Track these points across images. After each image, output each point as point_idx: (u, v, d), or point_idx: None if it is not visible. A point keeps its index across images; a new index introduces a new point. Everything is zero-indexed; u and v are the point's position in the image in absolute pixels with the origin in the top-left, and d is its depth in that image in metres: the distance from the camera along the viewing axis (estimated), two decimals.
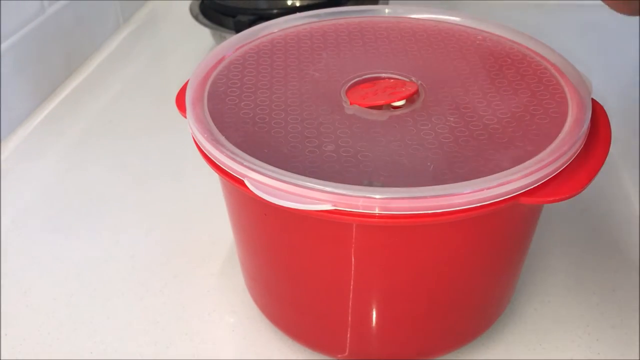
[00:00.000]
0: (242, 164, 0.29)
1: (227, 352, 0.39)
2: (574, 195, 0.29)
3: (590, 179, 0.29)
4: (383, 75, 0.37)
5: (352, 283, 0.32)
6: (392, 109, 0.34)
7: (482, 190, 0.28)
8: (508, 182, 0.28)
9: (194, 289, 0.43)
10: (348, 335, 0.35)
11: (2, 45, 0.58)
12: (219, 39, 0.68)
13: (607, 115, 0.34)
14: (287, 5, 0.74)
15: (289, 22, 0.42)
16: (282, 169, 0.29)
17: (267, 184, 0.29)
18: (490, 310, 0.38)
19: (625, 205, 0.49)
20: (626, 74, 0.66)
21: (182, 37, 0.79)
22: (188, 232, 0.48)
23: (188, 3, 0.73)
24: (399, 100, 0.34)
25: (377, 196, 0.27)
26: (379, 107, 0.34)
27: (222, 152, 0.30)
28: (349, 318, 0.34)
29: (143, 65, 0.74)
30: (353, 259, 0.31)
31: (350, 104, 0.34)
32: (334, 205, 0.28)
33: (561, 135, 0.31)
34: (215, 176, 0.32)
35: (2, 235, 0.48)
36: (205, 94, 0.35)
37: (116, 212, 0.50)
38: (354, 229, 0.30)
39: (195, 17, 0.68)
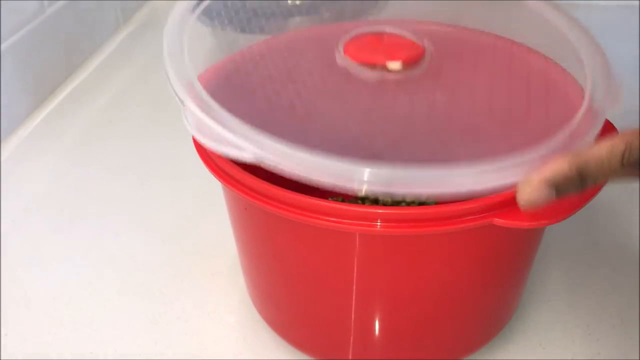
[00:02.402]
0: (183, 89, 0.27)
1: (226, 352, 0.39)
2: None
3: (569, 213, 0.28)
4: (391, 31, 0.33)
5: (340, 285, 0.32)
6: (387, 71, 0.31)
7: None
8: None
9: (194, 289, 0.43)
10: (351, 341, 0.35)
11: (2, 45, 0.58)
12: (219, 39, 0.68)
13: None
14: (287, 5, 0.74)
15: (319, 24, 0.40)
16: (226, 107, 0.26)
17: (199, 117, 0.27)
18: (494, 324, 0.37)
19: (625, 205, 0.49)
20: (626, 74, 0.66)
21: None
22: (188, 232, 0.48)
23: None
24: (395, 60, 0.31)
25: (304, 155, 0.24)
26: (373, 66, 0.31)
27: (177, 81, 0.28)
28: (350, 326, 0.34)
29: (143, 65, 0.73)
30: (345, 264, 0.31)
31: (344, 55, 0.31)
32: (257, 158, 0.25)
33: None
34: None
35: (2, 235, 0.48)
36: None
37: (116, 212, 0.50)
38: (355, 238, 0.29)
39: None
